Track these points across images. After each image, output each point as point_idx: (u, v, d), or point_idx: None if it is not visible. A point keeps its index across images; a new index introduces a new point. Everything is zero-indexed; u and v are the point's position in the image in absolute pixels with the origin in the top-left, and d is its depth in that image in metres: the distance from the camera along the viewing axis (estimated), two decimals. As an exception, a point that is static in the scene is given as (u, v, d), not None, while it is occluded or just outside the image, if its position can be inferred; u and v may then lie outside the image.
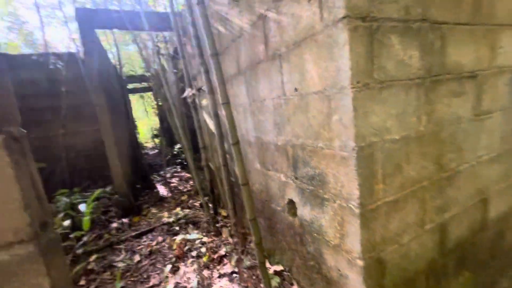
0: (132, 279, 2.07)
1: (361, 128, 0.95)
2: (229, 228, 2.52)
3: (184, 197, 3.87)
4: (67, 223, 2.28)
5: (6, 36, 7.34)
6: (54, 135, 3.88)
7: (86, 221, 2.24)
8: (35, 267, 0.58)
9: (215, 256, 2.16)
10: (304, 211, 1.40)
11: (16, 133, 0.60)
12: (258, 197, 2.00)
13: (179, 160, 6.16)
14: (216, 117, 1.81)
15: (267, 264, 1.91)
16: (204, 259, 2.12)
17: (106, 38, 5.29)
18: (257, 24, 1.44)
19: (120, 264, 2.27)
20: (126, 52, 8.46)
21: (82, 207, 2.30)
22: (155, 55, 4.64)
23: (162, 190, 4.50)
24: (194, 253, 2.19)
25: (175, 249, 2.31)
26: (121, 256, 2.42)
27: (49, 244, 0.62)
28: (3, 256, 0.55)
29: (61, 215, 2.50)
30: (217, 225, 2.66)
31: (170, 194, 4.16)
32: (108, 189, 3.88)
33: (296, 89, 1.23)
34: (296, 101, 1.25)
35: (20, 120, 0.64)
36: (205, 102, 2.29)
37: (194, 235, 2.22)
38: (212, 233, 2.58)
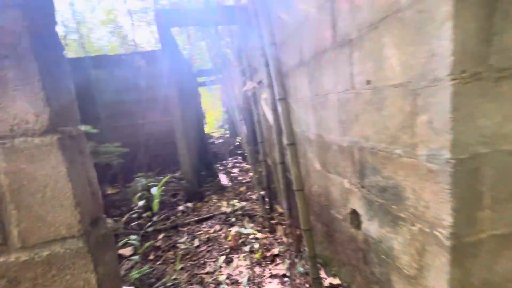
0: (190, 262, 2.21)
1: (463, 135, 0.70)
2: (284, 226, 2.43)
3: (242, 188, 3.97)
4: (141, 203, 2.59)
5: (108, 40, 8.83)
6: (138, 124, 4.49)
7: (155, 203, 2.50)
8: (83, 263, 0.60)
9: (268, 254, 2.11)
10: (371, 226, 1.18)
11: (73, 132, 0.61)
12: (316, 199, 1.83)
13: (241, 151, 6.36)
14: (275, 112, 1.71)
15: (322, 274, 1.75)
16: (257, 255, 2.10)
17: (181, 35, 5.77)
18: (324, 6, 1.25)
19: (182, 246, 2.46)
20: (198, 48, 9.13)
21: (153, 190, 2.58)
22: (221, 49, 4.81)
23: (223, 179, 4.73)
24: (247, 248, 2.20)
25: (230, 240, 2.36)
26: (184, 238, 2.62)
27: (98, 240, 0.64)
28: (59, 249, 0.58)
29: (138, 195, 2.87)
30: (272, 221, 2.61)
31: (230, 184, 4.33)
32: (177, 174, 4.29)
33: (368, 82, 1.02)
34: (367, 95, 1.04)
35: (79, 119, 0.66)
36: (264, 96, 2.22)
37: (248, 229, 2.21)
38: (267, 229, 2.54)
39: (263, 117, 2.28)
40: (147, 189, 3.01)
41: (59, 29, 3.53)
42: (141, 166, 4.25)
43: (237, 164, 5.71)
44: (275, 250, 2.13)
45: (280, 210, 2.84)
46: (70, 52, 7.25)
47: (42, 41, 0.55)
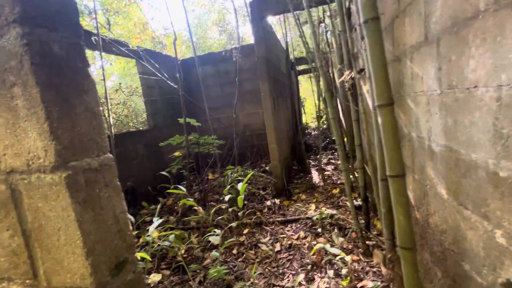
0: (269, 268, 2.10)
1: None
2: (384, 252, 1.93)
3: (335, 191, 3.53)
4: (227, 197, 2.67)
5: (217, 37, 9.82)
6: (235, 116, 4.73)
7: (240, 200, 2.51)
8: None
9: (359, 286, 1.71)
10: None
11: (94, 164, 0.50)
12: (437, 237, 1.28)
13: (338, 146, 5.76)
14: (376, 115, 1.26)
15: None
16: (344, 283, 1.74)
17: (280, 23, 5.62)
18: None
19: (264, 247, 2.38)
20: (298, 35, 8.78)
21: (239, 186, 2.60)
22: (321, 34, 4.33)
23: (315, 176, 4.39)
24: (331, 271, 1.86)
25: (313, 254, 2.09)
26: (266, 239, 2.54)
27: (120, 290, 0.52)
28: (75, 298, 0.49)
29: (228, 187, 2.99)
30: (368, 241, 2.14)
31: (322, 183, 3.96)
32: (267, 167, 4.29)
33: None
34: None
35: (106, 146, 0.55)
36: (366, 88, 1.74)
37: (335, 249, 1.86)
38: (360, 250, 2.10)
39: (364, 115, 1.81)
40: (236, 182, 3.10)
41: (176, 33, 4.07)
42: (236, 156, 4.50)
43: (332, 161, 5.20)
44: (368, 283, 1.71)
45: (380, 227, 2.30)
46: (188, 54, 8.50)
47: (48, 61, 0.44)
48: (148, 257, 1.84)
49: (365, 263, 1.94)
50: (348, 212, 2.81)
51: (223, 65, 5.30)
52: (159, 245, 2.17)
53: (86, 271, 0.49)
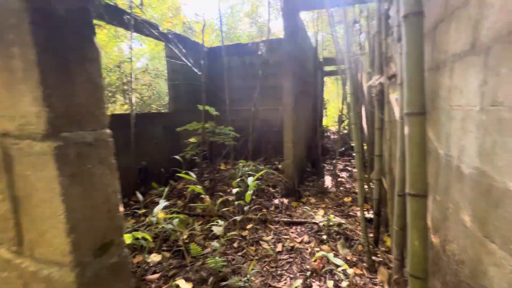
0: (267, 267, 2.06)
1: None
2: (390, 271, 1.82)
3: (347, 199, 3.41)
4: (235, 190, 2.64)
5: (248, 29, 9.73)
6: (253, 110, 4.68)
7: (248, 195, 2.47)
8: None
9: (358, 301, 1.63)
10: None
11: (89, 138, 0.48)
12: (453, 266, 1.17)
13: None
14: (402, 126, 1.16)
15: None
16: (343, 296, 1.66)
17: (312, 21, 5.45)
18: None
19: (265, 245, 2.34)
20: (330, 34, 8.49)
21: (249, 180, 2.56)
22: (354, 35, 4.14)
23: (328, 181, 4.27)
24: (331, 281, 1.79)
25: (314, 261, 2.02)
26: (269, 237, 2.50)
27: (101, 274, 0.51)
28: (55, 273, 0.49)
29: (237, 180, 2.97)
30: (374, 257, 2.03)
31: (334, 189, 3.84)
32: (280, 165, 4.22)
33: None
34: None
35: (105, 121, 0.52)
36: (395, 95, 1.61)
37: (338, 260, 1.78)
38: (365, 264, 2.00)
39: (389, 124, 1.69)
40: (247, 176, 3.06)
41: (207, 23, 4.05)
42: (250, 150, 4.46)
43: (348, 168, 5.03)
44: (369, 301, 1.62)
45: (389, 244, 2.18)
46: (216, 43, 8.51)
47: (49, 22, 0.41)
48: (150, 238, 1.86)
49: (368, 279, 1.85)
50: (357, 223, 2.69)
51: (248, 57, 5.24)
52: (163, 227, 2.19)
53: (67, 248, 0.47)
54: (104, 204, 0.52)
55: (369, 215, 2.64)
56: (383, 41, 1.61)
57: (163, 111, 6.52)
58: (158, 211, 2.09)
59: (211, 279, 1.83)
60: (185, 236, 2.43)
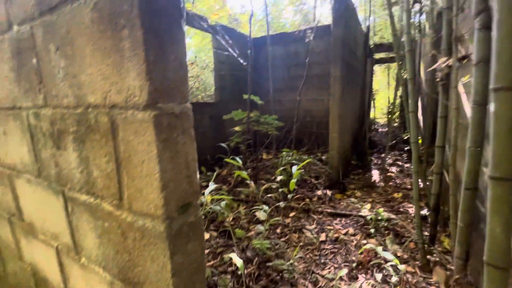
0: (310, 255, 2.07)
1: None
2: (448, 273, 1.68)
3: (397, 195, 3.19)
4: (279, 178, 2.67)
5: (292, 18, 9.49)
6: (298, 100, 4.62)
7: (292, 183, 2.49)
8: (163, 247, 0.57)
9: (409, 298, 1.55)
10: None
11: (176, 109, 0.55)
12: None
13: (408, 148, 5.13)
14: (481, 108, 1.04)
15: None
16: (392, 291, 1.60)
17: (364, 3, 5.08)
18: None
19: (308, 234, 2.35)
20: (383, 19, 7.82)
21: (293, 169, 2.57)
22: (412, 15, 3.76)
23: (375, 175, 4.04)
24: (380, 275, 1.72)
25: (361, 253, 1.96)
26: (312, 226, 2.49)
27: (182, 229, 0.58)
28: (149, 223, 0.58)
29: (281, 168, 3.00)
30: (429, 256, 1.89)
31: (382, 184, 3.63)
32: (324, 157, 4.12)
33: None
34: None
35: (188, 96, 0.59)
36: (466, 79, 1.43)
37: (388, 254, 1.71)
38: (418, 262, 1.88)
39: (456, 111, 1.52)
40: (290, 165, 3.07)
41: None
42: (293, 141, 4.44)
43: (399, 163, 4.68)
44: (422, 300, 1.53)
45: (447, 245, 2.00)
46: (259, 33, 8.50)
47: (152, 7, 0.48)
48: (201, 216, 2.01)
49: (421, 278, 1.73)
50: (409, 220, 2.52)
51: (293, 46, 5.14)
52: (211, 208, 2.35)
53: (160, 203, 0.55)
54: (185, 170, 0.60)
55: (424, 211, 2.44)
56: (453, 19, 1.44)
57: (209, 101, 6.84)
58: (208, 194, 2.24)
59: (256, 259, 1.92)
60: (230, 219, 2.56)
